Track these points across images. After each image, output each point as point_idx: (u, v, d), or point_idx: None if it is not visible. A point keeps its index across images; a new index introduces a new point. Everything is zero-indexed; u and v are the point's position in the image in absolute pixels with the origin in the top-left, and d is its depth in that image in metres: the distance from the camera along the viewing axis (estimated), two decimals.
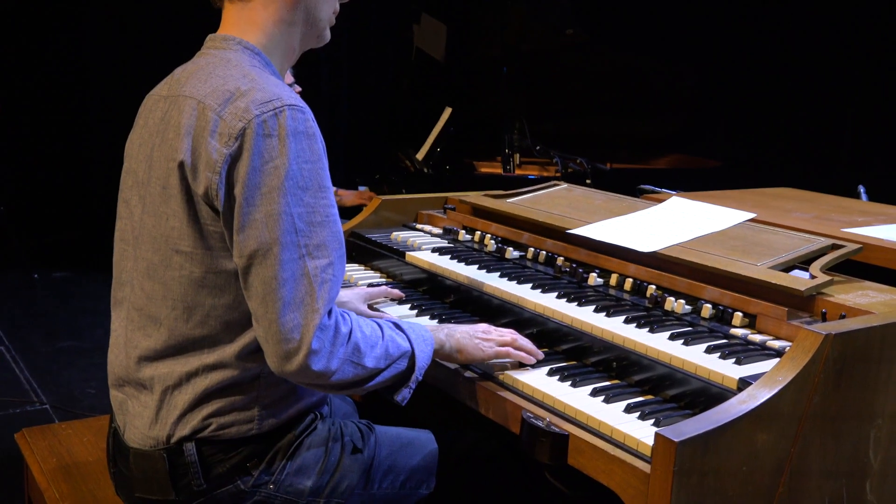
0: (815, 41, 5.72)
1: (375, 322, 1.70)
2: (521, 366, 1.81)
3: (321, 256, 1.56)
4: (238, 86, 1.59)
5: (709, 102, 5.82)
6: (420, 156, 5.34)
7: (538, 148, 5.16)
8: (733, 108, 6.01)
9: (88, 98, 6.73)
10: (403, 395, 1.71)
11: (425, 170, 5.20)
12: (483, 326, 1.85)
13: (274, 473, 1.69)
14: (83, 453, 2.03)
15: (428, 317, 2.10)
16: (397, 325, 1.73)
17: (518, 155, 5.27)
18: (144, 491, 1.68)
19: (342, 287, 2.19)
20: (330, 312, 1.58)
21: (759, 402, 1.44)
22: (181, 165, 1.58)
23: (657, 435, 1.37)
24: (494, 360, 1.81)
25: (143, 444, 1.67)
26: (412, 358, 1.70)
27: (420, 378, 1.72)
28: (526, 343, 1.83)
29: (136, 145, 1.76)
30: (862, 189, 3.00)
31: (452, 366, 1.84)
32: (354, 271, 2.49)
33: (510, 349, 1.79)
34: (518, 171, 5.27)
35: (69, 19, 6.60)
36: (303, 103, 1.60)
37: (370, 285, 2.28)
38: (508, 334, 1.83)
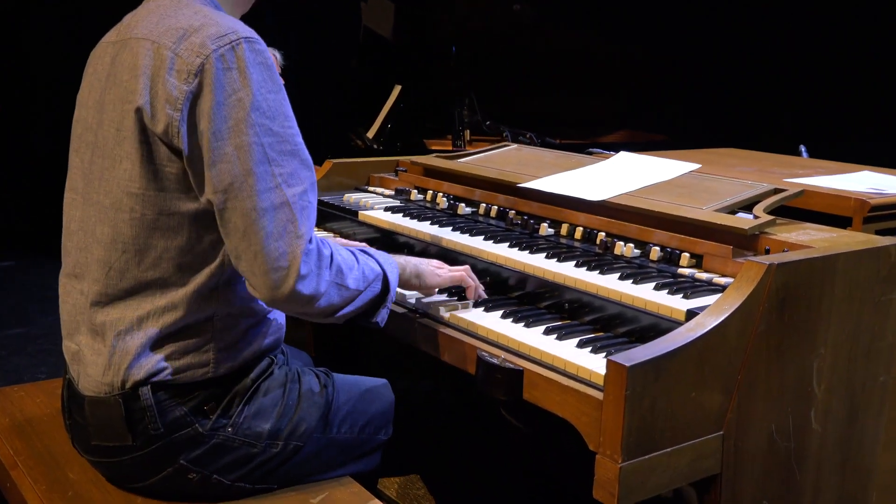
0: (751, 14, 5.83)
1: (347, 248, 1.75)
2: (474, 309, 1.84)
3: (296, 184, 1.58)
4: (191, 23, 1.59)
5: (655, 77, 5.90)
6: (370, 134, 5.33)
7: (488, 123, 5.19)
8: (678, 82, 6.10)
9: (34, 92, 6.58)
10: (382, 315, 1.75)
11: (375, 146, 5.20)
12: (436, 262, 1.92)
13: (232, 416, 1.69)
14: (36, 412, 2.00)
15: None
16: (365, 251, 1.78)
17: (468, 131, 5.29)
18: (101, 438, 1.68)
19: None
20: (310, 239, 1.60)
21: (706, 330, 1.48)
22: (138, 110, 1.58)
23: (608, 361, 1.40)
24: (449, 307, 1.83)
25: (98, 391, 1.66)
26: (385, 280, 1.75)
27: (394, 298, 1.78)
28: (474, 278, 1.90)
29: (86, 93, 1.75)
30: (803, 148, 3.07)
31: (401, 309, 1.87)
32: None
33: (464, 275, 1.87)
34: (469, 148, 5.29)
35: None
36: (257, 36, 1.60)
37: None
38: (460, 269, 1.90)
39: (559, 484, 2.22)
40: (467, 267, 1.91)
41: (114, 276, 1.65)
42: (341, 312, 1.68)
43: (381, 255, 1.80)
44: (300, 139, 1.62)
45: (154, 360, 1.63)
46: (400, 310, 1.89)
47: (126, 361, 1.63)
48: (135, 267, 1.63)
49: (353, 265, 1.69)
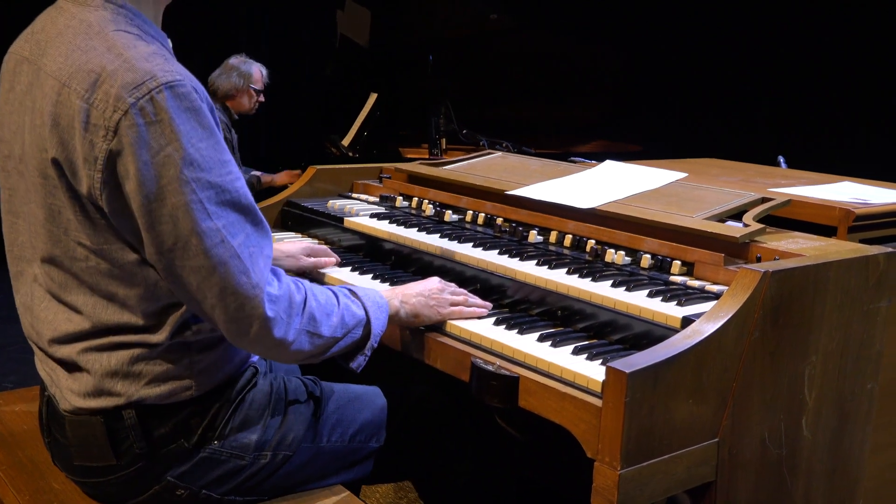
0: (729, 23, 5.90)
1: (330, 290, 1.68)
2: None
3: (238, 233, 1.48)
4: (103, 64, 1.44)
5: (631, 87, 5.94)
6: (346, 142, 5.32)
7: (464, 132, 5.20)
8: (654, 92, 6.15)
9: None
10: (359, 362, 1.69)
11: (351, 154, 5.18)
12: (435, 284, 1.84)
13: (217, 429, 1.66)
14: (17, 422, 1.96)
15: (370, 276, 2.10)
16: (352, 293, 1.72)
17: (444, 140, 5.29)
18: (83, 458, 1.63)
19: (287, 242, 2.18)
20: (280, 280, 1.55)
21: (703, 337, 1.48)
22: (55, 162, 1.47)
23: (608, 367, 1.40)
24: None
25: (78, 413, 1.61)
26: (367, 326, 1.69)
27: (375, 346, 1.71)
28: (475, 299, 1.86)
29: (7, 112, 1.61)
30: (782, 159, 3.10)
31: None
32: (291, 239, 2.47)
33: (463, 308, 1.81)
34: (445, 157, 5.29)
35: None
36: (180, 74, 1.46)
37: None
38: (461, 293, 1.85)
39: (553, 492, 2.22)
40: (466, 297, 1.84)
41: (85, 320, 1.56)
42: (316, 358, 1.64)
43: (371, 298, 1.72)
44: (240, 182, 1.51)
45: (133, 389, 1.58)
46: None
47: (104, 390, 1.58)
48: (102, 311, 1.55)
49: (332, 310, 1.62)
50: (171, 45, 1.62)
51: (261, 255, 1.52)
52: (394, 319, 1.77)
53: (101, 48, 1.46)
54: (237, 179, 1.51)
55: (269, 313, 1.50)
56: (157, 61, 1.45)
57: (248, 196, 1.53)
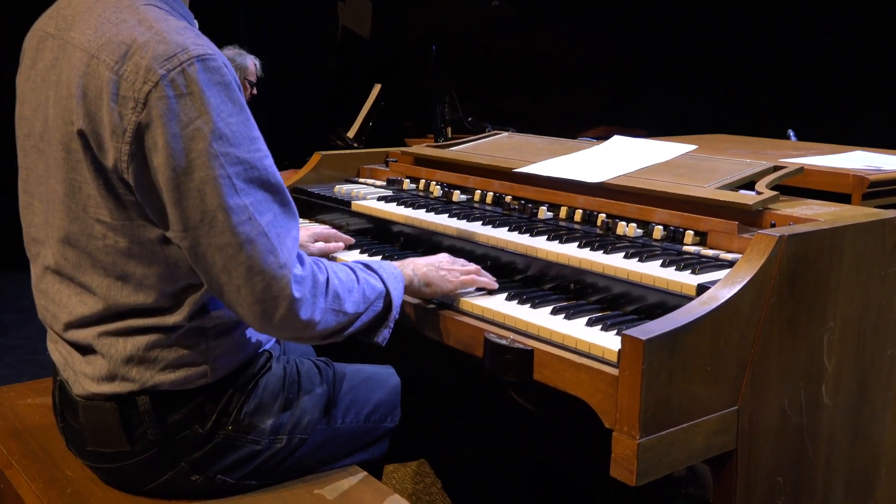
0: (729, 8, 5.86)
1: (347, 266, 1.66)
2: (479, 293, 1.80)
3: (266, 211, 1.46)
4: (134, 36, 1.42)
5: (632, 72, 5.91)
6: (351, 133, 5.30)
7: (469, 120, 5.17)
8: (656, 76, 6.11)
9: None
10: (384, 335, 1.68)
11: (356, 145, 5.17)
12: (445, 258, 1.83)
13: (231, 414, 1.64)
14: (29, 412, 1.95)
15: (380, 257, 2.08)
16: (368, 266, 1.70)
17: (450, 129, 5.27)
18: (97, 444, 1.62)
19: None
20: (303, 263, 1.52)
21: (720, 303, 1.46)
22: (81, 134, 1.44)
23: (624, 335, 1.37)
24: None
25: (92, 398, 1.59)
26: (387, 297, 1.67)
27: (397, 317, 1.69)
28: (485, 274, 1.84)
29: (28, 90, 1.60)
30: (791, 132, 3.07)
31: (414, 300, 1.82)
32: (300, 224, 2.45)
33: (474, 276, 1.79)
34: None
35: None
36: (212, 49, 1.44)
37: None
38: (471, 267, 1.83)
39: (566, 473, 2.19)
40: (478, 268, 1.83)
41: (99, 301, 1.55)
42: (340, 335, 1.62)
43: (386, 269, 1.71)
44: (269, 160, 1.49)
45: (148, 375, 1.56)
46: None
47: (119, 376, 1.56)
48: (117, 293, 1.53)
49: (353, 286, 1.60)
50: (197, 25, 1.61)
51: (288, 236, 1.50)
52: (408, 289, 1.75)
53: (132, 21, 1.45)
54: (266, 157, 1.49)
55: (296, 294, 1.47)
56: (189, 35, 1.44)
57: (277, 175, 1.51)
